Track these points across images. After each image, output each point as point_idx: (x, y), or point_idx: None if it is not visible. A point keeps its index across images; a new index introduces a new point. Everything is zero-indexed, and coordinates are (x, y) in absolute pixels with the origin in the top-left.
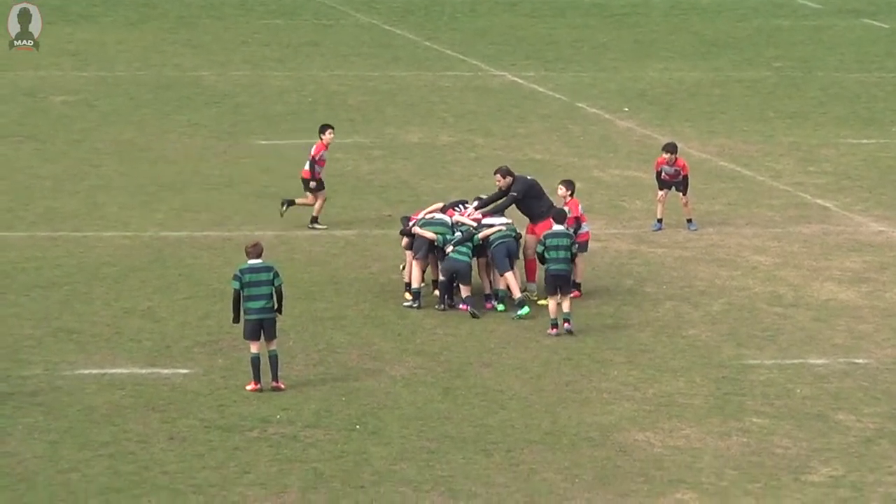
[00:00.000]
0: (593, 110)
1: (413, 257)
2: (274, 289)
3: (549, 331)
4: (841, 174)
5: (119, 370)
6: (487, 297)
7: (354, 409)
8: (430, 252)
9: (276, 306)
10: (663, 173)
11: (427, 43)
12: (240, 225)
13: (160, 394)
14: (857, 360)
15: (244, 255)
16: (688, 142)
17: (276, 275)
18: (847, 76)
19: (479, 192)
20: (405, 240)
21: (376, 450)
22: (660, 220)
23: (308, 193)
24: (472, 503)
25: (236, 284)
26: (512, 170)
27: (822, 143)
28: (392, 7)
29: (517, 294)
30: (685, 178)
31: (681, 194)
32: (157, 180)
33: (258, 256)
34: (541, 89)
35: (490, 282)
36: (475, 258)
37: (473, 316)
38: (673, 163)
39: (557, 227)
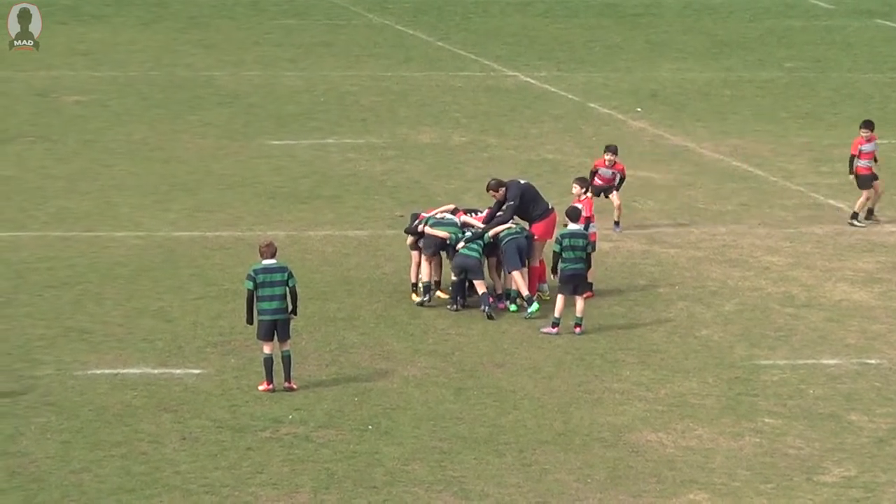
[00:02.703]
0: (605, 110)
1: (423, 253)
2: (288, 290)
3: (550, 328)
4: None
5: (131, 370)
6: (499, 298)
7: (367, 409)
8: (441, 251)
9: (290, 307)
10: (597, 177)
11: (439, 43)
12: (252, 225)
13: (172, 394)
14: (869, 361)
15: (258, 255)
16: (700, 142)
17: (290, 275)
18: (860, 76)
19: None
20: (410, 238)
21: (388, 450)
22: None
23: (868, 189)
24: (483, 503)
25: (249, 285)
26: (502, 179)
27: (835, 143)
28: (404, 7)
29: (525, 292)
30: (622, 179)
31: (613, 195)
32: (170, 180)
33: (272, 256)
34: (553, 89)
35: (502, 282)
36: (486, 258)
37: (489, 317)
38: (612, 165)
39: (573, 227)
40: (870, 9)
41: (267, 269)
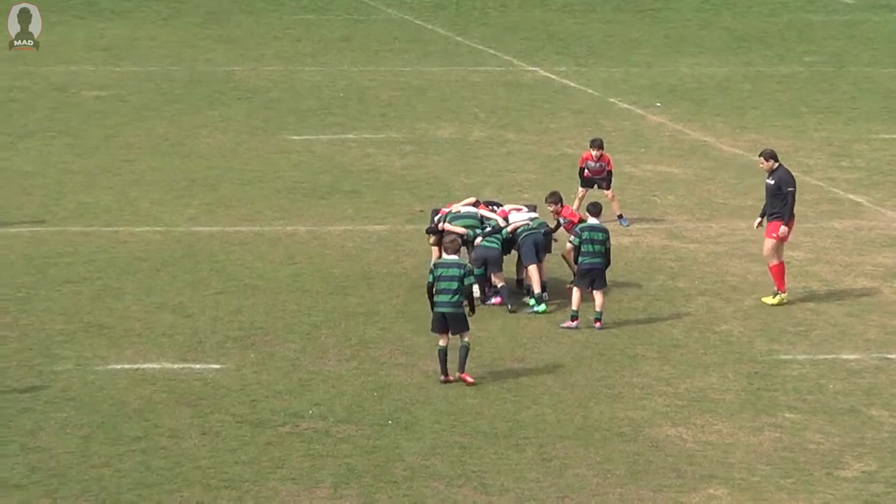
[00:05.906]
0: (625, 105)
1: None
2: (463, 287)
3: (569, 323)
4: (873, 169)
5: (151, 365)
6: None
7: (386, 404)
8: (462, 247)
9: (464, 303)
10: (587, 170)
11: (459, 38)
12: (272, 220)
13: (192, 389)
14: (890, 356)
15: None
16: (720, 137)
17: (468, 273)
18: (880, 71)
19: (511, 187)
20: (432, 237)
21: (408, 445)
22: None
23: None
24: (504, 498)
25: (430, 277)
26: (776, 154)
27: (855, 138)
28: (424, 2)
29: (538, 289)
30: (609, 172)
31: (606, 190)
32: (190, 175)
33: (455, 253)
34: (572, 84)
35: (522, 277)
36: (507, 253)
37: (510, 311)
38: (599, 158)
39: (593, 221)
40: (889, 3)
41: (445, 265)
